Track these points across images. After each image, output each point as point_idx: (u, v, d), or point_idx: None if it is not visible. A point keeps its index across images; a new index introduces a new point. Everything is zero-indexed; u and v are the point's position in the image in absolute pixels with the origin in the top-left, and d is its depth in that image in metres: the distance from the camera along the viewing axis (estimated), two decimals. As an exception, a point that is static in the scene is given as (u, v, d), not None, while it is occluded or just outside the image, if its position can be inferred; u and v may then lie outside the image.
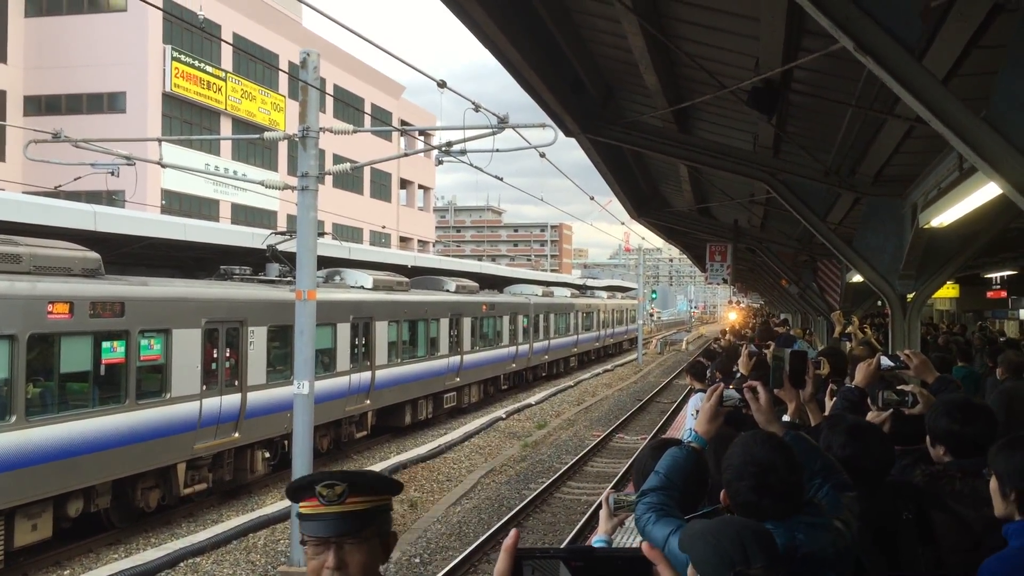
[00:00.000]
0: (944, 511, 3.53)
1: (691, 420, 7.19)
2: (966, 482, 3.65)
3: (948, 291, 22.85)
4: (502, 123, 13.09)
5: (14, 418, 11.76)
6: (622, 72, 9.19)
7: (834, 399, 5.22)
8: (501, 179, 16.93)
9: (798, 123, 8.95)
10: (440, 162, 14.43)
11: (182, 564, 12.63)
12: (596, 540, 3.64)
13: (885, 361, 5.14)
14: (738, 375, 7.62)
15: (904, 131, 7.31)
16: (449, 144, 13.87)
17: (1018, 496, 2.93)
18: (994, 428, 3.88)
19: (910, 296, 9.83)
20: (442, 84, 12.07)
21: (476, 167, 14.05)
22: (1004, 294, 23.37)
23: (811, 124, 8.96)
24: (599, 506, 14.63)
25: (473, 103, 12.64)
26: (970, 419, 3.82)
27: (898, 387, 4.74)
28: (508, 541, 1.32)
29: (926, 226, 8.08)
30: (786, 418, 3.89)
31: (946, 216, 7.50)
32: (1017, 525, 2.92)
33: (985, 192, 6.26)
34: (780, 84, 6.91)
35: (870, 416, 4.49)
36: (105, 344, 13.35)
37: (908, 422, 4.39)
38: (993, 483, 3.04)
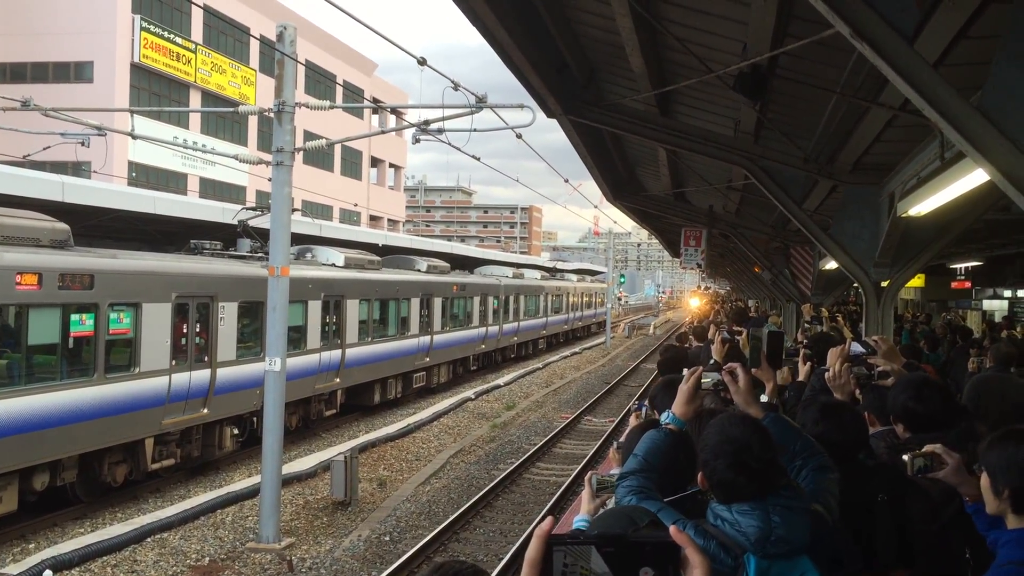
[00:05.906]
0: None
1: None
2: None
3: (914, 281, 23.11)
4: (480, 103, 13.02)
5: (-20, 390, 11.57)
6: (607, 54, 9.18)
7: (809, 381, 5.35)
8: (479, 159, 16.86)
9: (780, 110, 9.00)
10: (417, 140, 14.33)
11: (149, 539, 12.52)
12: (577, 520, 3.56)
13: (856, 347, 5.23)
14: (712, 362, 7.67)
15: (886, 120, 7.39)
16: (427, 123, 13.77)
17: (1012, 494, 2.70)
18: (948, 404, 3.98)
19: (884, 283, 9.96)
20: (422, 62, 11.98)
21: (455, 147, 13.98)
22: (968, 284, 23.67)
23: (793, 111, 9.02)
24: (570, 487, 14.49)
25: (452, 81, 12.56)
26: (923, 397, 3.95)
27: (868, 360, 4.89)
28: (543, 527, 1.31)
29: (903, 215, 8.19)
30: (764, 398, 3.90)
31: (924, 205, 7.60)
32: (1009, 535, 2.72)
33: (965, 182, 6.35)
34: (767, 70, 6.94)
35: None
36: (74, 317, 13.16)
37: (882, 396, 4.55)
38: (984, 480, 2.81)
